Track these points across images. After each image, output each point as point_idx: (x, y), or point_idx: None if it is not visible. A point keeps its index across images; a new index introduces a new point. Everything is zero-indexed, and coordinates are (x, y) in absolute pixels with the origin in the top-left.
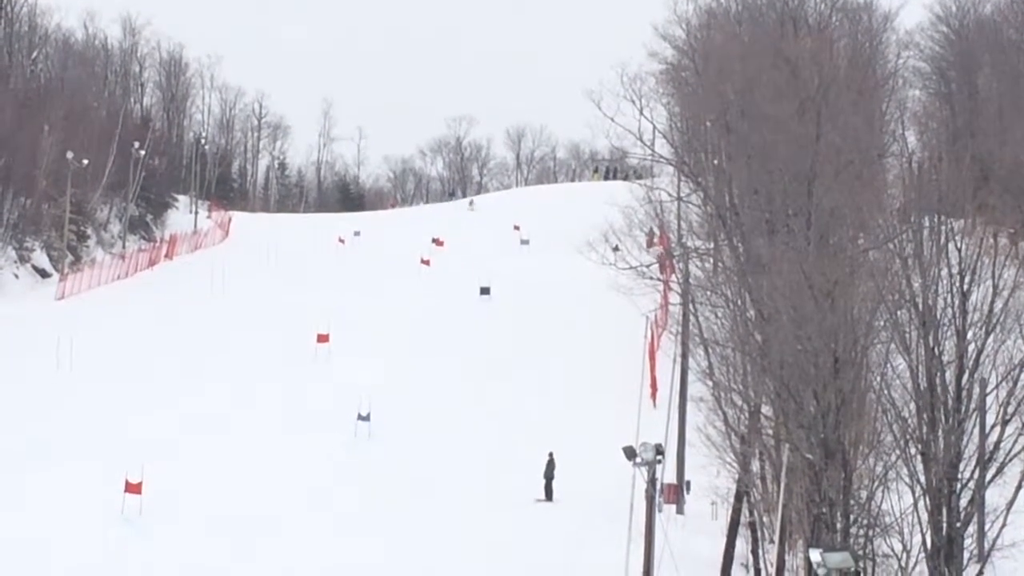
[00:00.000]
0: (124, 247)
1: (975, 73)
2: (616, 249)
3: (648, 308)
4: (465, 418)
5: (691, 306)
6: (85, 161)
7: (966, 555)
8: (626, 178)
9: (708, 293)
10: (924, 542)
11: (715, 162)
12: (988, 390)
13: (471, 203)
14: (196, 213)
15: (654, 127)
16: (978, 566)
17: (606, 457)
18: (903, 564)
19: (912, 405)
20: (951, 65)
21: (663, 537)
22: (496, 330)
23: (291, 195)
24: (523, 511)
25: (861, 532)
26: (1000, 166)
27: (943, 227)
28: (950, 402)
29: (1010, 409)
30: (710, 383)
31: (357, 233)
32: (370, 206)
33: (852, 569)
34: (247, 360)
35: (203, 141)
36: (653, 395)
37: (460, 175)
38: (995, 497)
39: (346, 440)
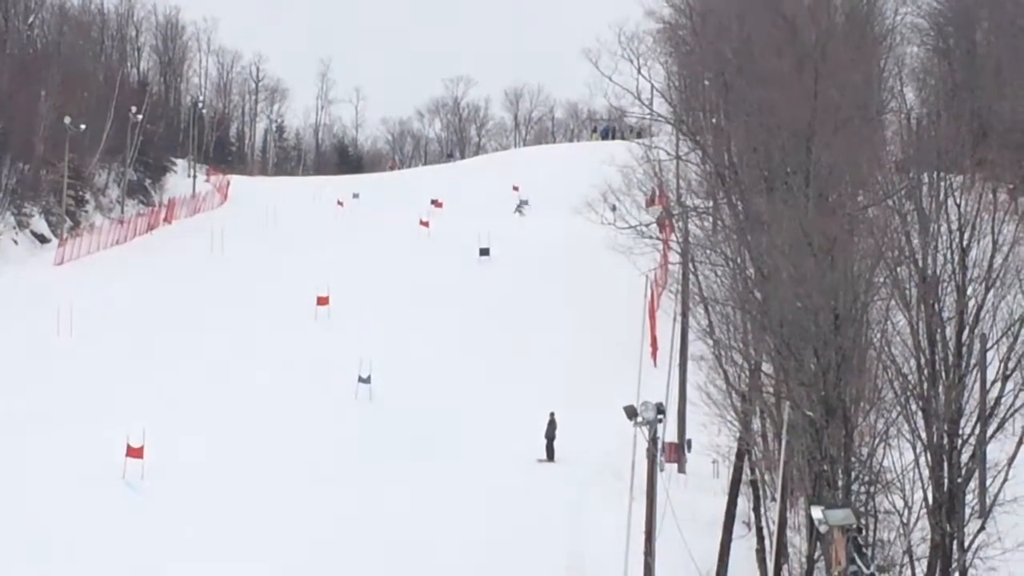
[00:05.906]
0: (123, 212)
1: (973, 28)
2: (614, 209)
3: (648, 267)
4: (466, 379)
5: (691, 265)
6: (83, 126)
7: (967, 511)
8: (624, 138)
9: (708, 251)
10: (925, 498)
11: (713, 120)
12: (988, 346)
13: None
14: (194, 177)
15: (652, 86)
16: (979, 521)
17: (607, 417)
18: (904, 520)
19: (912, 361)
20: (949, 21)
21: (665, 496)
22: (496, 291)
23: (289, 158)
24: (525, 471)
25: (862, 489)
26: (999, 121)
27: (942, 183)
28: (951, 358)
29: (1011, 364)
30: (710, 342)
31: (356, 195)
32: (368, 168)
33: (854, 525)
34: (247, 323)
35: (200, 105)
36: (654, 354)
37: (458, 136)
38: (996, 452)
39: (347, 401)
